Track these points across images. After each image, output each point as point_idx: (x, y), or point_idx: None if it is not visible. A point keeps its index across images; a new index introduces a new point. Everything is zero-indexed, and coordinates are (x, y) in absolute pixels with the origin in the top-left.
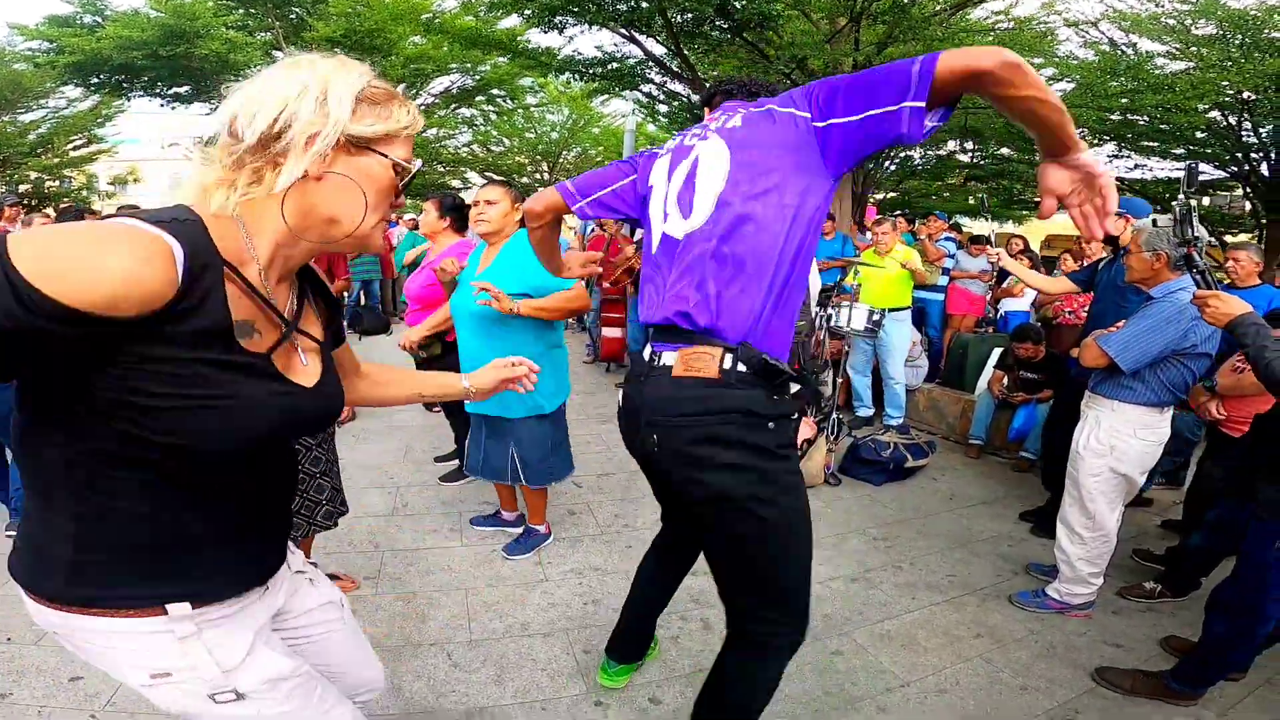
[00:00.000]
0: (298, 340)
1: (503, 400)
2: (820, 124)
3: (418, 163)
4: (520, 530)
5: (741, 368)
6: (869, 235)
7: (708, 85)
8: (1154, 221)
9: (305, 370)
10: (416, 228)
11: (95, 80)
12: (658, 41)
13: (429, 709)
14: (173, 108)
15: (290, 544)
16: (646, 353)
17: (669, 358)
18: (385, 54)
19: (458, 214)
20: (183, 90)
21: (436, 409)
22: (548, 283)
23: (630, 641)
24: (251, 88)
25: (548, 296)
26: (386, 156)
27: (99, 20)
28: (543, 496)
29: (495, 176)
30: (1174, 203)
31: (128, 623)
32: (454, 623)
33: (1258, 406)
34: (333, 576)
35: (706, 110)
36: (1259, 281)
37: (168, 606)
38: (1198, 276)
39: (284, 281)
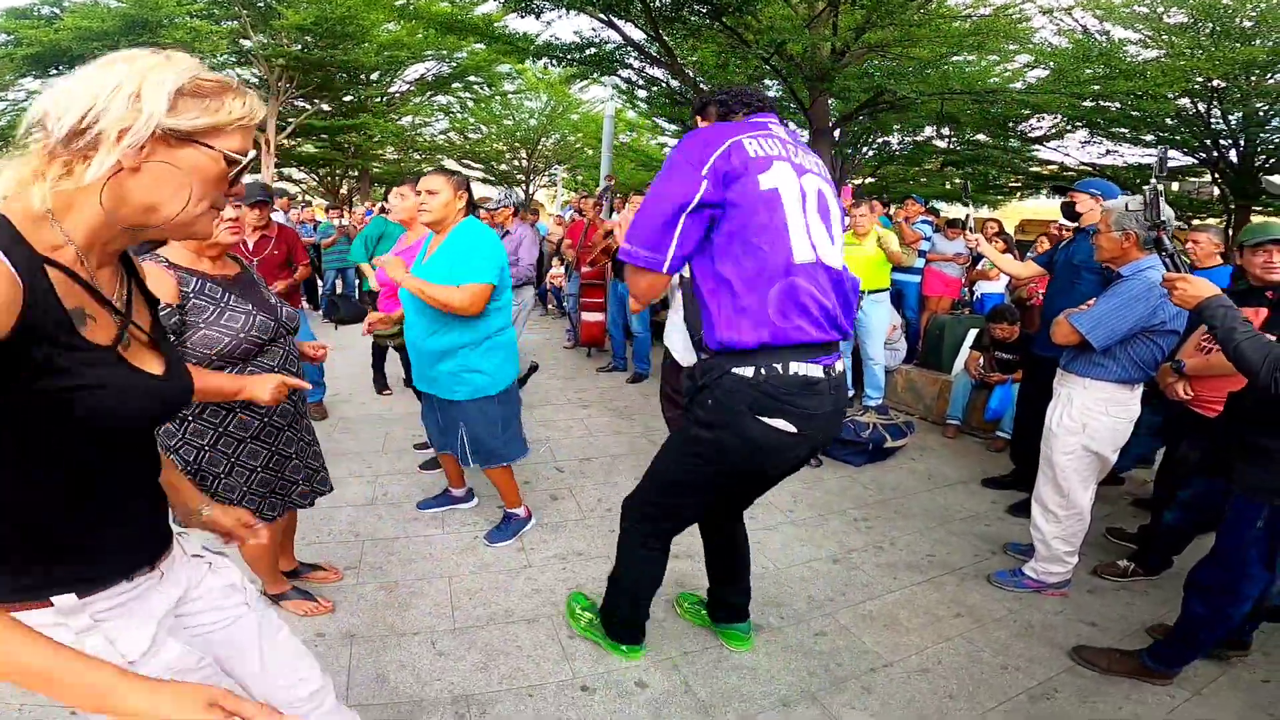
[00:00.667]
0: (133, 331)
1: (448, 384)
2: None
3: (252, 152)
4: (465, 503)
5: None
6: (846, 219)
7: (732, 90)
8: (1126, 206)
9: (150, 359)
10: (384, 212)
11: (55, 71)
12: (636, 26)
13: (415, 698)
14: None
15: (184, 529)
16: (818, 372)
17: (839, 364)
18: (358, 41)
19: None
20: None
21: (388, 391)
22: (472, 279)
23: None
24: (65, 84)
25: (436, 285)
26: (212, 148)
27: (57, 11)
28: (509, 479)
29: (473, 164)
30: (1144, 187)
31: (19, 616)
32: (437, 611)
33: (1226, 386)
34: (314, 568)
35: (748, 112)
36: (1219, 262)
37: (53, 600)
38: (1167, 259)
39: (105, 268)
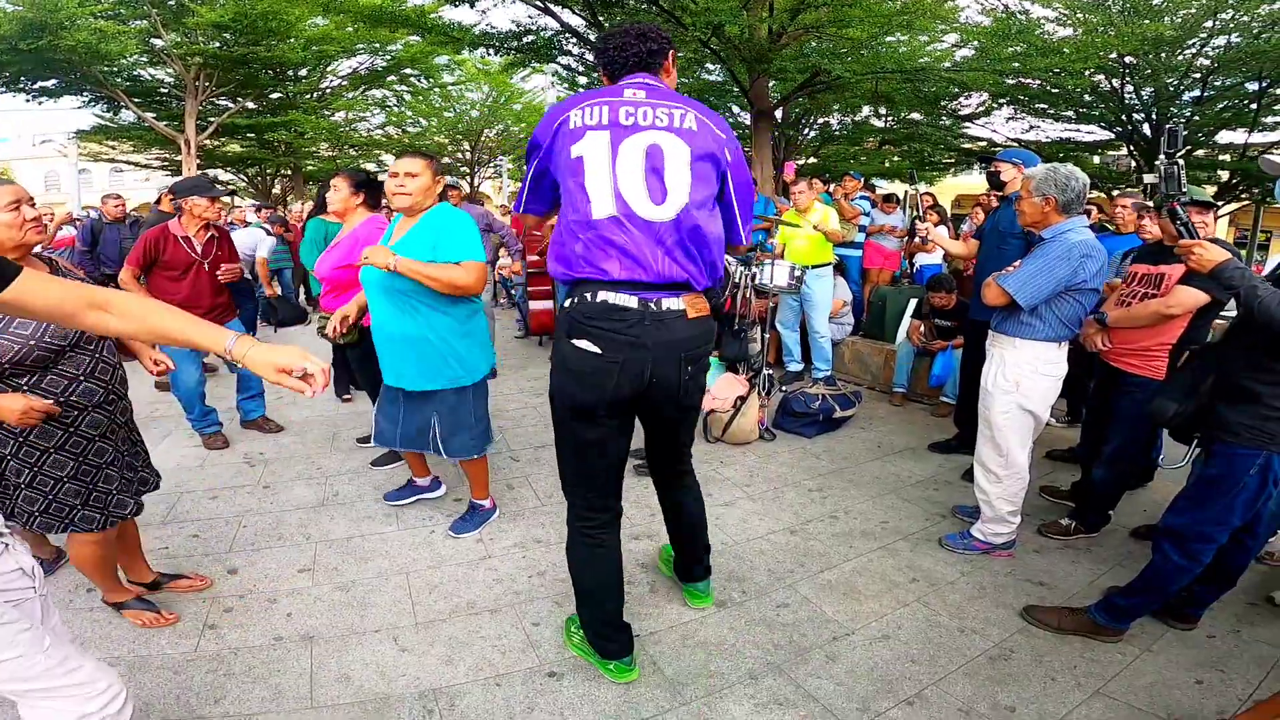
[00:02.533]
0: None
1: (421, 374)
2: (726, 170)
3: None
4: (432, 492)
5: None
6: (790, 199)
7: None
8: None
9: None
10: (318, 211)
11: None
12: (573, 12)
13: (381, 695)
14: (39, 102)
15: None
16: (631, 302)
17: (676, 303)
18: (282, 37)
19: (370, 190)
20: (49, 84)
21: (348, 396)
22: (454, 241)
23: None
24: None
25: (433, 264)
26: None
27: None
28: (483, 470)
29: None
30: (1157, 163)
31: None
32: (397, 608)
33: (1140, 337)
34: (176, 577)
35: (609, 77)
36: (1134, 229)
37: None
38: (1181, 227)
39: None
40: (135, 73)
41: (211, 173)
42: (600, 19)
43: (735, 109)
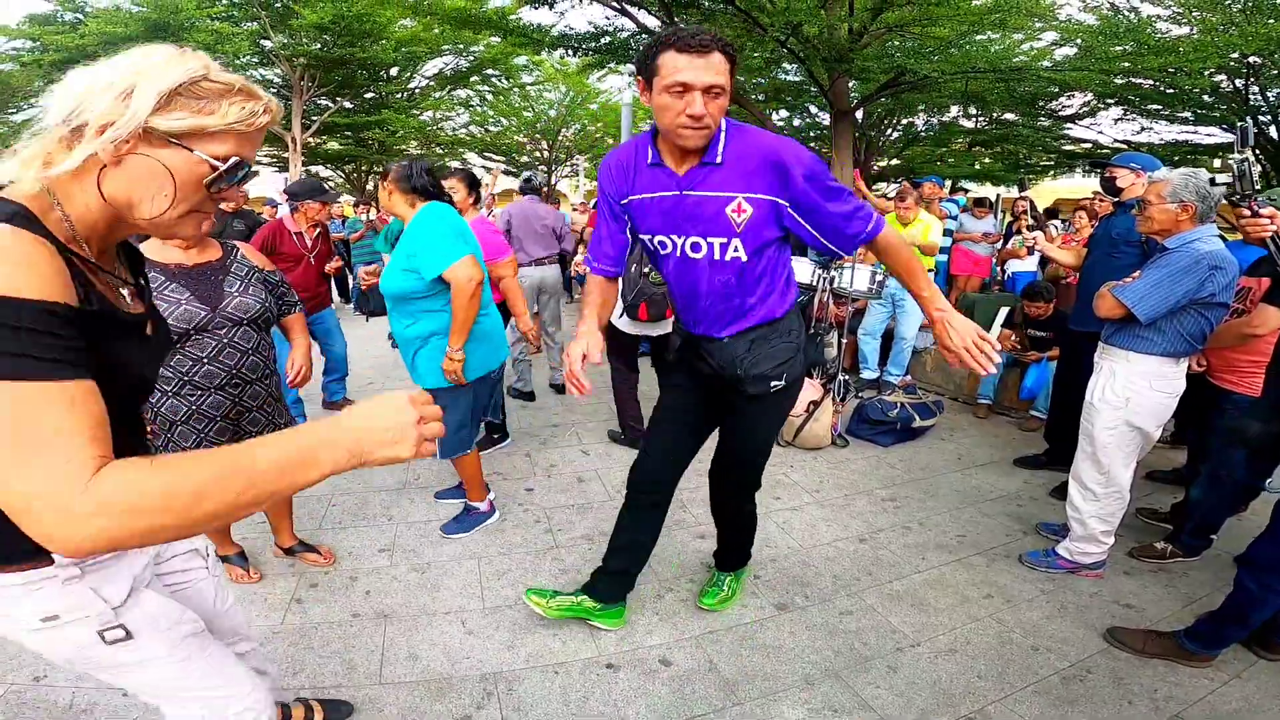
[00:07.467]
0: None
1: (424, 371)
2: None
3: (235, 158)
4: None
5: None
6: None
7: None
8: (1212, 180)
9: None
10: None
11: None
12: (650, 13)
13: (445, 675)
14: None
15: None
16: None
17: None
18: (376, 38)
19: (475, 188)
20: None
21: None
22: (425, 256)
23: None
24: (73, 75)
25: (455, 320)
26: (193, 151)
27: (79, 17)
28: (475, 470)
29: (495, 156)
30: (1230, 159)
31: (15, 576)
32: (467, 591)
33: (1235, 354)
34: (310, 549)
35: None
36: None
37: (55, 556)
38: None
39: (105, 253)
40: (247, 73)
41: (314, 169)
42: (676, 20)
43: (814, 109)
